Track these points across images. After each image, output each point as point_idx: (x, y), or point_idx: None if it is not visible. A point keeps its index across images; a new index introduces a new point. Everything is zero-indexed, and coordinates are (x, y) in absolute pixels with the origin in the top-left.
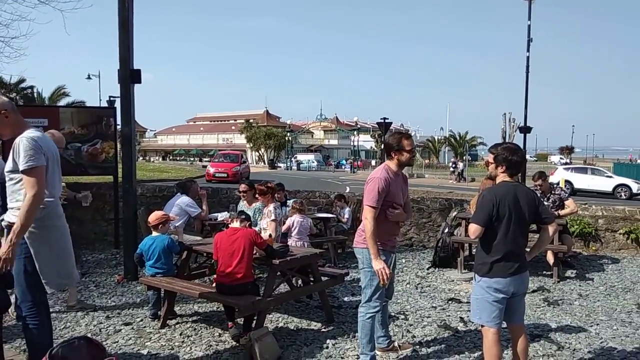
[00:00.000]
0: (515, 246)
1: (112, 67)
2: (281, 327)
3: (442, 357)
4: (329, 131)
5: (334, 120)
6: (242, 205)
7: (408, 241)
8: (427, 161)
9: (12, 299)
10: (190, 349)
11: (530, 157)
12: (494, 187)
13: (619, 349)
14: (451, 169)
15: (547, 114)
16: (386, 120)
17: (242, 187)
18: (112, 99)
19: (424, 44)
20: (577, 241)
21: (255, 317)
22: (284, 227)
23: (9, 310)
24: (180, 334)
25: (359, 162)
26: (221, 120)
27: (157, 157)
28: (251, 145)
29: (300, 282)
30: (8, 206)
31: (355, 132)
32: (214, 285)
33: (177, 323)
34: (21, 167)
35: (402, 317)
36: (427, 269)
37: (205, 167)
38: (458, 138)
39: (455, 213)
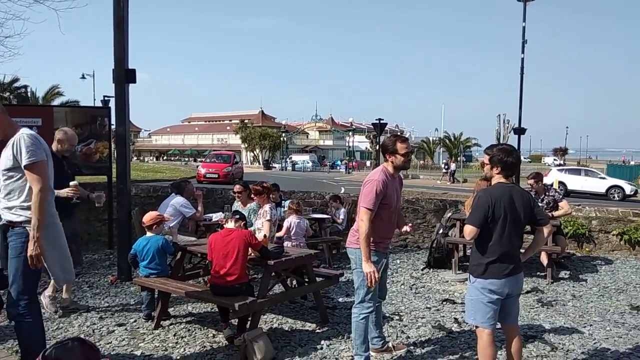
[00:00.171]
0: (511, 247)
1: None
2: (275, 328)
3: (436, 357)
4: (324, 132)
5: (329, 120)
6: (237, 206)
7: (402, 242)
8: (421, 162)
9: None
10: (184, 350)
11: (524, 158)
12: (489, 188)
13: (612, 349)
14: (443, 170)
15: (541, 115)
16: (381, 121)
17: (237, 187)
18: (106, 98)
19: (420, 44)
20: (571, 242)
21: (250, 318)
22: (282, 231)
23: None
24: (174, 335)
25: (354, 163)
26: (216, 121)
27: (151, 157)
28: (246, 145)
29: (294, 282)
30: (5, 205)
31: (350, 133)
32: (208, 286)
33: (171, 324)
34: (24, 162)
35: (397, 317)
36: (422, 270)
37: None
38: (453, 139)
39: (450, 214)
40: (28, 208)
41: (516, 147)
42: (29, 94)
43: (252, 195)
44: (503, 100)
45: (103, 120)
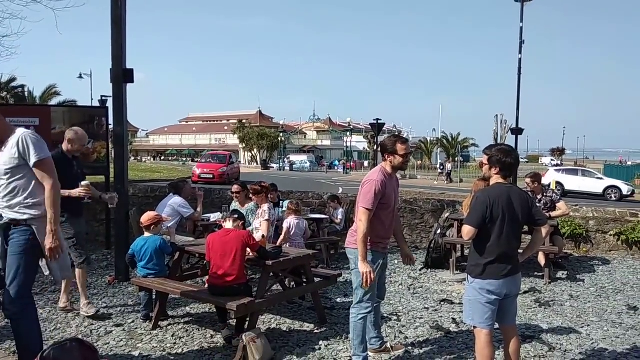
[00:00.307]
0: (509, 248)
1: (104, 66)
2: (274, 329)
3: (434, 358)
4: (322, 132)
5: (327, 121)
6: (235, 206)
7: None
8: (419, 162)
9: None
10: (182, 350)
11: (522, 158)
12: (487, 188)
13: (609, 350)
14: (439, 170)
15: (539, 115)
16: (379, 122)
17: (235, 187)
18: (104, 98)
19: (418, 44)
20: (568, 242)
21: (248, 319)
22: (282, 234)
23: None
24: (172, 336)
25: (351, 163)
26: (214, 121)
27: (148, 157)
28: (244, 145)
29: (293, 283)
30: (7, 204)
31: (348, 133)
32: (206, 286)
33: (169, 324)
34: (35, 160)
35: (395, 318)
36: (420, 270)
37: None
38: (450, 139)
39: (448, 214)
40: (32, 206)
41: (514, 147)
42: (26, 93)
43: (251, 195)
44: (501, 101)
45: (101, 120)
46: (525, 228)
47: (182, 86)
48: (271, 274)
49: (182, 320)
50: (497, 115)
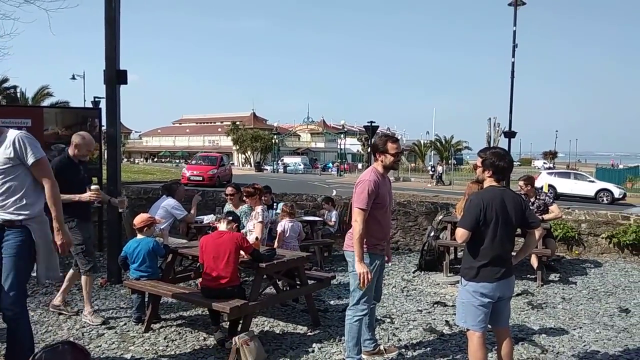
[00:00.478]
0: (502, 251)
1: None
2: (267, 331)
3: None
4: (315, 134)
5: (321, 123)
6: (228, 208)
7: (394, 245)
8: (412, 165)
9: None
10: (175, 353)
11: (515, 161)
12: (481, 191)
13: (601, 352)
14: (430, 173)
15: (531, 118)
16: (373, 124)
17: (229, 190)
18: (97, 99)
19: (412, 46)
20: (561, 245)
21: (241, 321)
22: (277, 238)
23: None
24: (165, 338)
25: (345, 165)
26: (207, 122)
27: (141, 159)
28: (237, 147)
29: (286, 285)
30: (0, 205)
31: (342, 136)
32: (199, 288)
33: (162, 327)
34: (32, 160)
35: (388, 320)
36: (413, 273)
37: None
38: (444, 142)
39: (441, 217)
40: (27, 206)
41: (507, 150)
42: (18, 94)
43: (244, 198)
44: (494, 104)
45: (93, 121)
46: (518, 231)
47: (176, 88)
48: (265, 276)
49: (175, 323)
50: (490, 119)
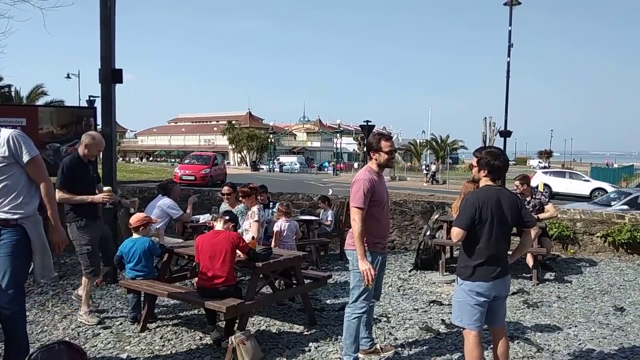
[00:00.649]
0: (498, 250)
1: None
2: (263, 330)
3: (423, 359)
4: (311, 133)
5: (317, 122)
6: (225, 207)
7: (390, 244)
8: (408, 164)
9: None
10: (171, 352)
11: (510, 160)
12: (477, 191)
13: (597, 350)
14: (424, 172)
15: (527, 118)
16: (369, 123)
17: (225, 189)
18: (92, 98)
19: (408, 46)
20: (556, 244)
21: (237, 320)
22: (274, 237)
23: None
24: (161, 338)
25: (341, 165)
26: (203, 121)
27: (136, 158)
28: (233, 146)
29: (282, 284)
30: None
31: (338, 135)
32: (195, 288)
33: (158, 326)
34: (27, 158)
35: (385, 319)
36: (409, 272)
37: None
38: (439, 141)
39: (437, 216)
40: (23, 205)
41: (503, 149)
42: (12, 93)
43: (240, 198)
44: (490, 103)
45: (89, 120)
46: (514, 230)
47: (171, 87)
48: (261, 275)
49: (171, 323)
50: (485, 118)
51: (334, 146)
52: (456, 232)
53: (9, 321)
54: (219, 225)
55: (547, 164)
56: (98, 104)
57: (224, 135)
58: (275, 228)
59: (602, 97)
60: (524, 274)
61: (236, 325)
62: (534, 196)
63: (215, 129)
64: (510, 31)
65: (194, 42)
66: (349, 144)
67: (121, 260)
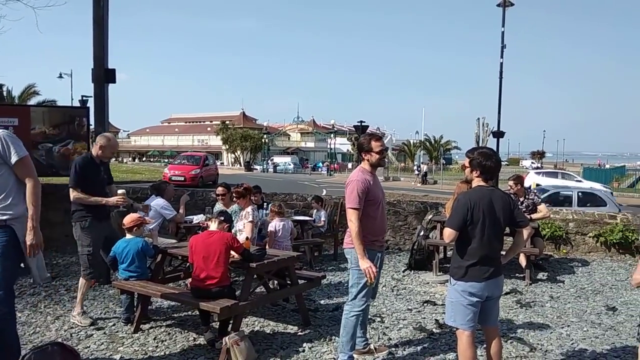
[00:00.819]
0: (491, 250)
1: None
2: (257, 331)
3: (417, 359)
4: (305, 134)
5: (311, 122)
6: (219, 207)
7: (384, 244)
8: (402, 164)
9: None
10: (165, 354)
11: (503, 161)
12: (469, 191)
13: (589, 350)
14: (415, 172)
15: (519, 118)
16: (363, 124)
17: (220, 189)
18: (84, 98)
19: (402, 46)
20: (549, 244)
21: (231, 321)
22: (269, 238)
23: None
24: (154, 339)
25: (335, 165)
26: (197, 122)
27: (129, 158)
28: (227, 147)
29: (276, 284)
30: None
31: (332, 135)
32: (189, 289)
33: (151, 327)
34: (15, 158)
35: (378, 319)
36: (403, 272)
37: None
38: (433, 142)
39: (431, 216)
40: (11, 206)
41: (495, 150)
42: (4, 92)
43: (234, 199)
44: (484, 104)
45: (81, 120)
46: (507, 230)
47: (165, 87)
48: (255, 276)
49: (164, 324)
50: (478, 118)
51: (328, 146)
52: (448, 233)
53: (0, 322)
54: (213, 226)
55: (539, 165)
56: (91, 104)
57: (218, 135)
58: (270, 228)
59: (595, 98)
60: (516, 274)
61: (230, 326)
62: (527, 196)
63: (209, 129)
64: (503, 32)
65: (188, 42)
66: (342, 144)
67: (114, 261)
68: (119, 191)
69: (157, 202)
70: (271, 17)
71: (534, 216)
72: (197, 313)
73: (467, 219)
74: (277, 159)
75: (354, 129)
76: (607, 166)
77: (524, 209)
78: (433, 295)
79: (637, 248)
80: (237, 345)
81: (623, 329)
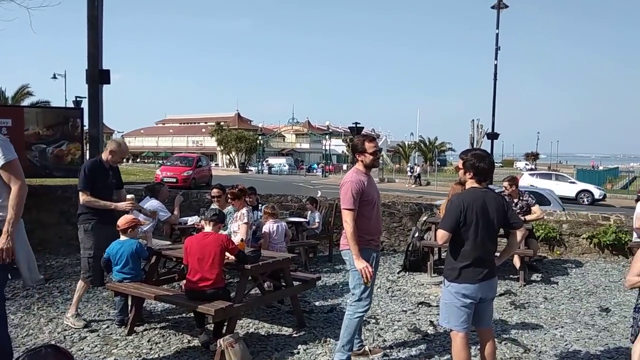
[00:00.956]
0: (484, 252)
1: (79, 67)
2: (252, 333)
3: None
4: (300, 135)
5: (306, 124)
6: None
7: (380, 244)
8: (397, 166)
9: None
10: (159, 356)
11: (497, 163)
12: (462, 193)
13: (583, 351)
14: (409, 173)
15: (514, 120)
16: (358, 125)
17: (215, 191)
18: (78, 99)
19: (400, 47)
20: (542, 245)
21: (226, 323)
22: (263, 239)
23: None
24: (148, 341)
25: (330, 166)
26: (191, 123)
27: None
28: (222, 148)
29: (271, 286)
30: None
31: (327, 137)
32: (183, 290)
33: (145, 330)
34: (3, 161)
35: (373, 320)
36: (398, 273)
37: None
38: (428, 143)
39: (426, 217)
40: (2, 208)
41: (489, 151)
42: None
43: (229, 200)
44: (479, 106)
45: (75, 121)
46: (501, 231)
47: (159, 88)
48: (250, 277)
49: (159, 326)
50: (473, 120)
51: (323, 148)
52: (441, 234)
53: None
54: (208, 227)
55: (533, 166)
56: (85, 104)
57: (213, 136)
58: (265, 229)
59: (588, 100)
60: (511, 275)
61: (225, 328)
62: (521, 198)
63: (203, 130)
64: (497, 34)
65: (182, 43)
66: (338, 145)
67: (108, 263)
68: (128, 196)
69: (151, 204)
70: (265, 18)
71: (527, 217)
72: (192, 315)
73: (460, 220)
74: (272, 160)
75: (349, 130)
76: (601, 168)
77: (517, 211)
78: (428, 297)
79: (630, 249)
80: (232, 347)
81: (616, 330)
